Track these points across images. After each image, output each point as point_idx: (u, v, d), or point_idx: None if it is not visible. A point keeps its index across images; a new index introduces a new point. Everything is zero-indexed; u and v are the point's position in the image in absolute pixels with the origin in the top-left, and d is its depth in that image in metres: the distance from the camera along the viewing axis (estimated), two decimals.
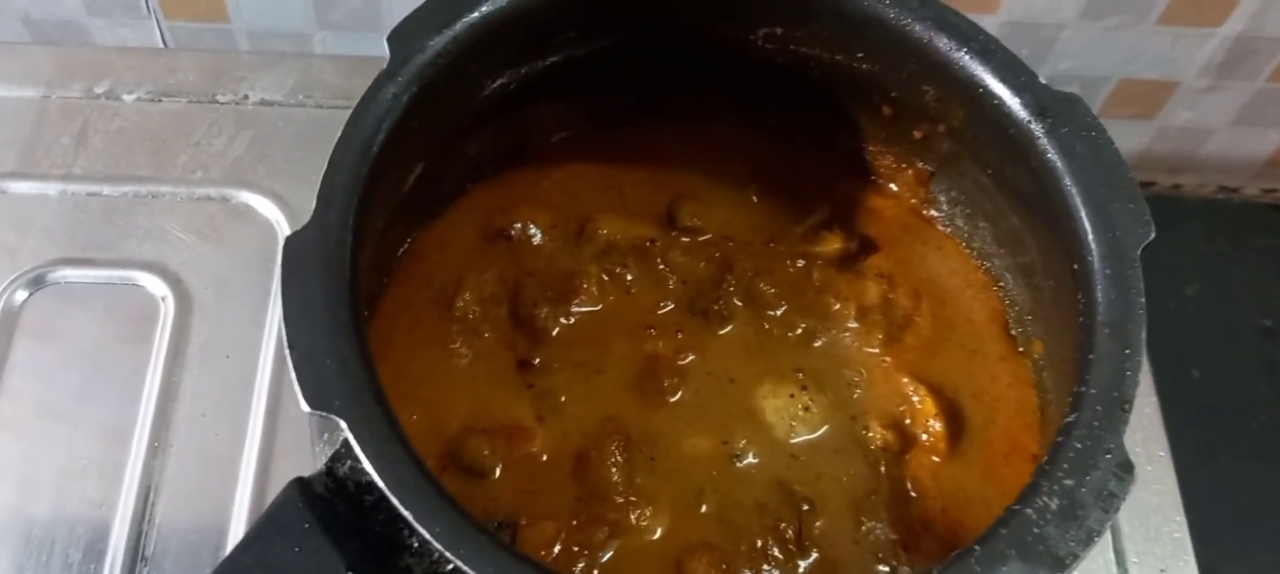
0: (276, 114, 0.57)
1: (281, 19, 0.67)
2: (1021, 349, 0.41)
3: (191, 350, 0.50)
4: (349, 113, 0.55)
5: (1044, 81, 0.36)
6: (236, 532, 0.46)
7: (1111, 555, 0.49)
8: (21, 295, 0.51)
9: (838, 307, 0.42)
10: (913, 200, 0.44)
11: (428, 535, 0.28)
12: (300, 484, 0.31)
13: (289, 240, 0.31)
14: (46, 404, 0.49)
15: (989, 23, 0.65)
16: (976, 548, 0.29)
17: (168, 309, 0.51)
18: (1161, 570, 0.49)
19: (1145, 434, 0.52)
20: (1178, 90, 0.72)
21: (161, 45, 0.69)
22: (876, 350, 0.41)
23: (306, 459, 0.47)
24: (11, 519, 0.46)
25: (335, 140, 0.34)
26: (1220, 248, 0.79)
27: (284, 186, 0.54)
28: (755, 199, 0.45)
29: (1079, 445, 0.30)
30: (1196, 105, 0.73)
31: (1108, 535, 0.49)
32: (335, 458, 0.31)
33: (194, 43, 0.69)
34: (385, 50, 0.68)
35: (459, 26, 0.35)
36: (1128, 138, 0.76)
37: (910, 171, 0.43)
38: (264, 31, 0.68)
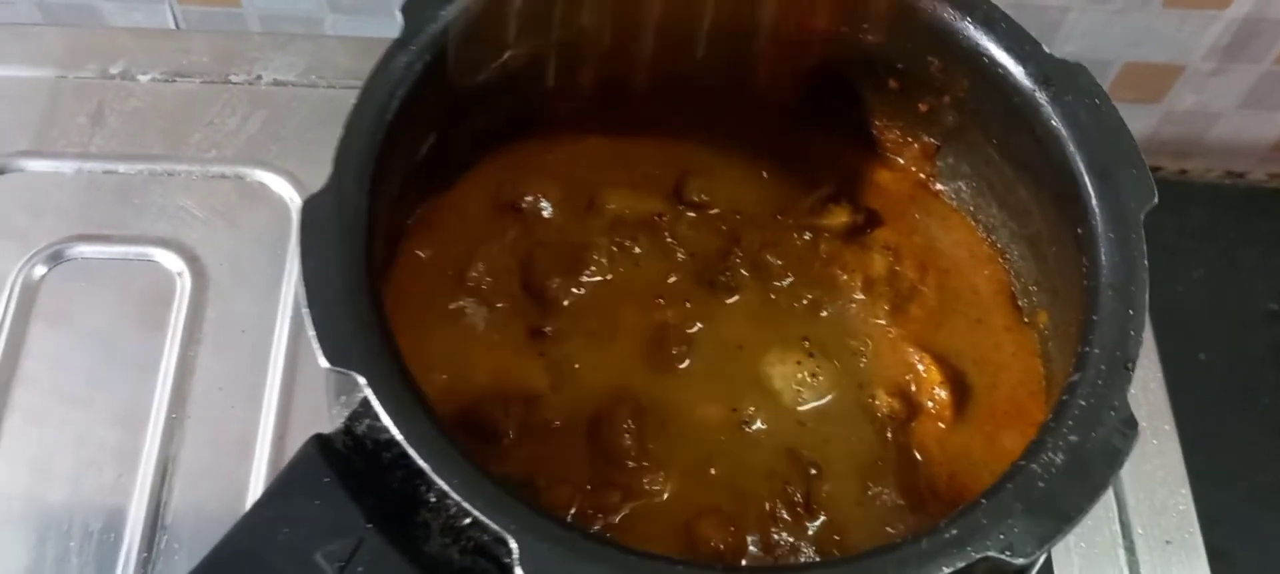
0: (289, 94, 0.58)
1: (292, 2, 0.68)
2: (1027, 320, 0.42)
3: (207, 326, 0.51)
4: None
5: (1048, 51, 0.36)
6: (255, 498, 0.47)
7: (1117, 527, 0.49)
8: (40, 271, 0.51)
9: (844, 278, 0.43)
10: (919, 174, 0.45)
11: (446, 487, 0.28)
12: (319, 441, 0.31)
13: (307, 203, 0.32)
14: (65, 378, 0.49)
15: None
16: (983, 501, 0.30)
17: (184, 285, 0.52)
18: (1167, 541, 0.49)
19: (1150, 408, 0.52)
20: (1184, 74, 0.72)
21: (173, 27, 0.69)
22: (883, 321, 0.42)
23: (322, 428, 0.48)
24: (32, 491, 0.47)
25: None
26: (1227, 232, 0.79)
27: (297, 165, 0.55)
28: (763, 174, 0.46)
29: (1083, 403, 0.31)
30: (1203, 89, 0.74)
31: (1114, 508, 0.50)
32: (353, 416, 0.32)
33: (205, 25, 0.69)
34: (395, 32, 0.69)
35: None
36: (1134, 121, 0.75)
37: (916, 145, 0.44)
38: (275, 15, 0.69)
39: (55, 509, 0.47)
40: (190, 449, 0.48)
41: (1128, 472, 0.51)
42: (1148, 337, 0.54)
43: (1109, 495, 0.50)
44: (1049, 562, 0.48)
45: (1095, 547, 0.49)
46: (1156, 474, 0.51)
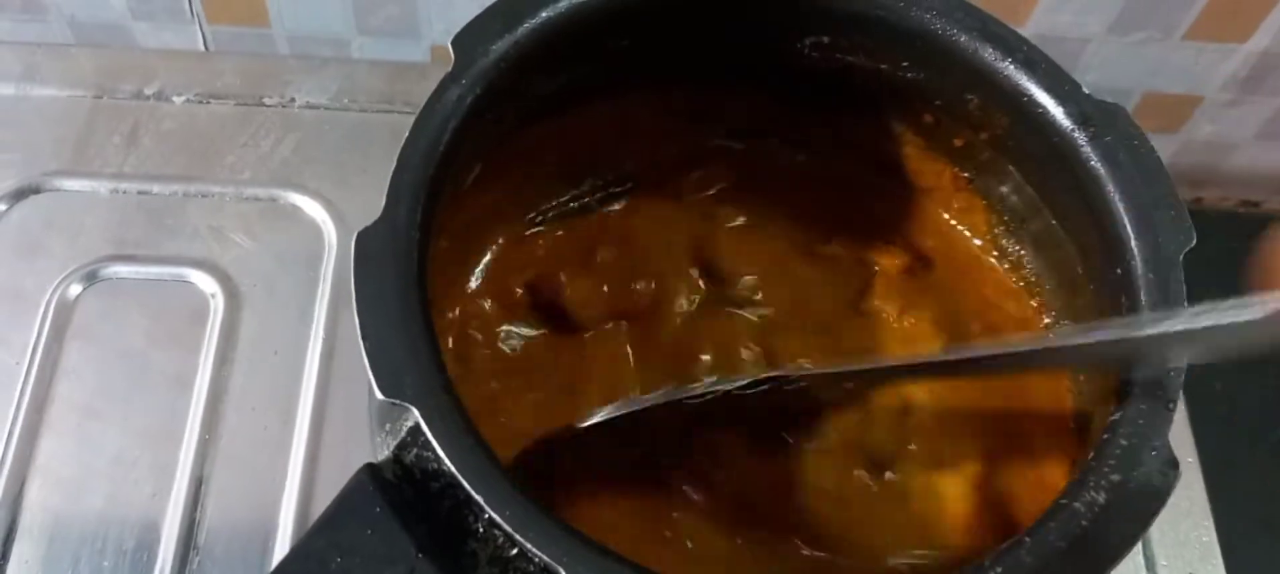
0: (321, 117, 0.58)
1: (322, 24, 0.68)
2: None
3: (241, 346, 0.51)
4: (392, 116, 0.57)
5: (1087, 91, 0.37)
6: (286, 521, 0.47)
7: (1141, 559, 0.50)
8: (75, 290, 0.52)
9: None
10: (950, 211, 0.46)
11: (499, 519, 0.29)
12: (370, 469, 0.32)
13: (361, 235, 0.32)
14: (99, 397, 0.50)
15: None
16: (1026, 540, 0.30)
17: (217, 306, 0.52)
18: (1191, 573, 0.50)
19: (1175, 441, 0.52)
20: (1202, 105, 0.73)
21: (203, 48, 0.70)
22: None
23: (353, 451, 0.49)
24: (67, 508, 0.47)
25: (379, 141, 0.35)
26: (1242, 260, 0.79)
27: (330, 188, 0.56)
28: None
29: (1125, 442, 0.31)
30: (1220, 120, 0.74)
31: (1139, 543, 0.50)
32: (402, 445, 0.33)
33: (234, 46, 0.70)
34: (421, 56, 0.69)
35: (520, 32, 0.36)
36: None
37: (948, 178, 0.44)
38: (304, 36, 0.69)
39: (89, 527, 0.47)
40: (223, 468, 0.49)
41: None
42: None
43: None
44: None
45: None
46: (1181, 507, 0.51)
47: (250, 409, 0.50)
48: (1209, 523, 0.51)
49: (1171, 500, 0.50)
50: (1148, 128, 0.75)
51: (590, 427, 0.39)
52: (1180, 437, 0.53)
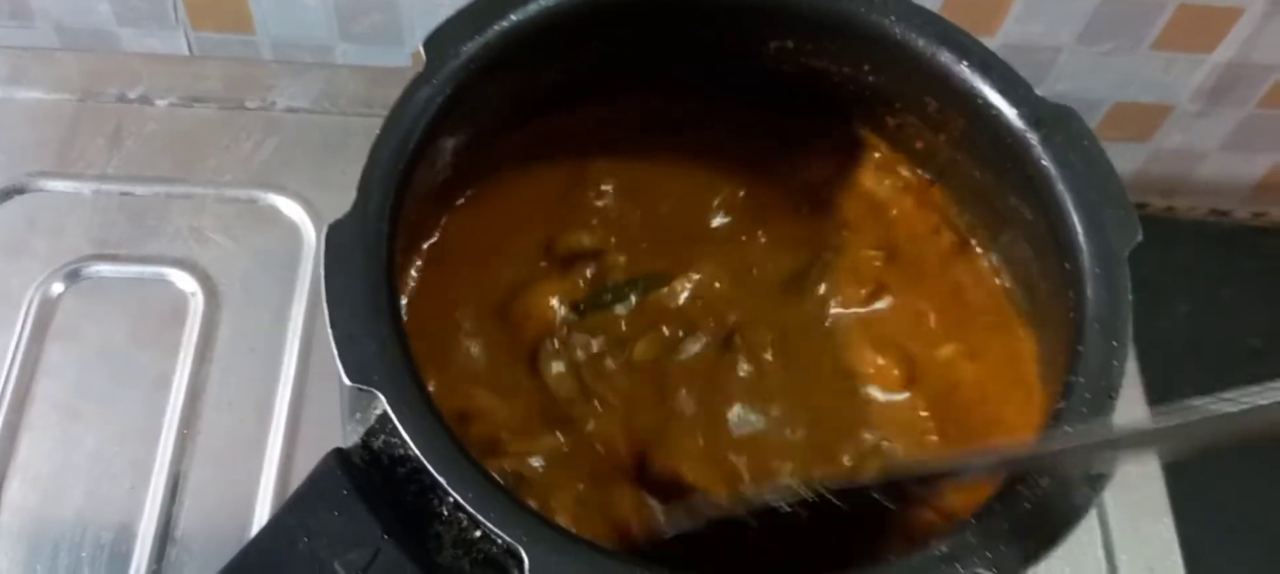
0: (302, 120, 0.59)
1: (305, 31, 0.69)
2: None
3: (219, 344, 0.52)
4: (373, 119, 0.58)
5: (1040, 94, 0.38)
6: (262, 516, 0.48)
7: (1102, 553, 0.51)
8: (57, 288, 0.53)
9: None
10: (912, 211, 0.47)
11: (460, 499, 0.30)
12: (338, 454, 0.33)
13: (331, 228, 0.33)
14: (80, 392, 0.51)
15: (987, 46, 0.68)
16: (972, 522, 0.31)
17: (197, 304, 0.53)
18: (1150, 569, 0.51)
19: None
20: (1171, 114, 0.75)
21: (188, 54, 0.71)
22: None
23: (329, 445, 0.49)
24: (45, 500, 0.48)
25: (360, 144, 0.36)
26: (1211, 269, 0.81)
27: (309, 189, 0.57)
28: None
29: (1069, 430, 0.32)
30: (1189, 129, 0.76)
31: (1099, 536, 0.52)
32: (371, 432, 0.34)
33: (219, 52, 0.71)
34: (404, 61, 0.70)
35: (490, 33, 0.38)
36: (1122, 160, 0.78)
37: (913, 180, 0.45)
38: (287, 42, 0.70)
39: (68, 520, 0.48)
40: (200, 464, 0.50)
41: (1113, 501, 0.52)
42: (1133, 370, 0.56)
43: (1094, 524, 0.52)
44: None
45: (1081, 573, 0.50)
46: (1141, 504, 0.52)
47: (228, 406, 0.51)
48: (1169, 519, 0.52)
49: (1133, 497, 0.52)
50: (1119, 137, 0.77)
51: None
52: None
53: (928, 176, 0.45)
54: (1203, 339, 0.77)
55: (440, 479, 0.30)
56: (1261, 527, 0.68)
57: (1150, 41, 0.68)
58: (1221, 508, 0.66)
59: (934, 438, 0.41)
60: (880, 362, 0.42)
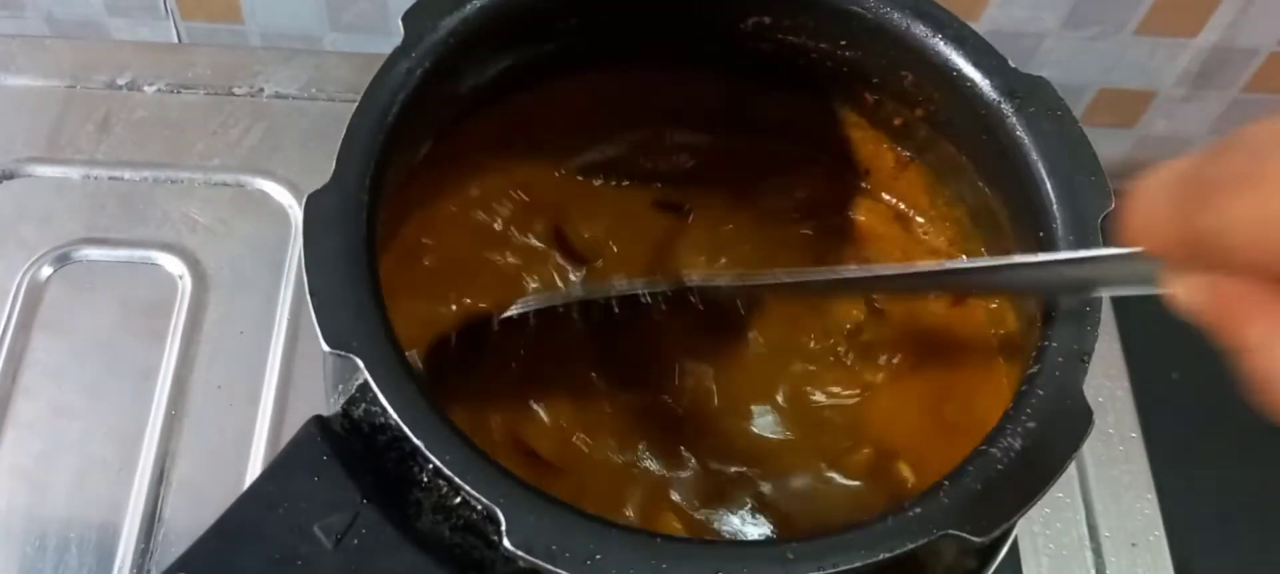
0: (290, 106, 0.60)
1: (294, 20, 0.70)
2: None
3: (207, 326, 0.53)
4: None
5: (1013, 66, 0.38)
6: None
7: (1085, 529, 0.51)
8: (47, 271, 0.53)
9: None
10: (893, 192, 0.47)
11: (439, 463, 0.30)
12: (319, 421, 0.33)
13: (310, 198, 0.34)
14: (68, 375, 0.51)
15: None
16: (945, 484, 0.31)
17: (185, 287, 0.53)
18: (1133, 544, 0.51)
19: (1118, 417, 0.54)
20: (1156, 99, 0.75)
21: (177, 43, 0.71)
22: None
23: None
24: (33, 484, 0.48)
25: None
26: None
27: (297, 174, 0.57)
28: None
29: (1041, 392, 0.33)
30: (1174, 115, 0.76)
31: (1082, 511, 0.52)
32: (351, 400, 0.34)
33: (209, 42, 0.71)
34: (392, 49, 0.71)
35: (469, 8, 0.38)
36: (1109, 145, 0.79)
37: (892, 156, 0.46)
38: (276, 32, 0.71)
39: (56, 505, 0.48)
40: (188, 445, 0.50)
41: (1095, 476, 0.53)
42: (1118, 352, 0.57)
43: (1077, 499, 0.52)
44: (1018, 562, 0.50)
45: (1063, 548, 0.50)
46: (1123, 479, 0.52)
47: (216, 389, 0.51)
48: (1152, 496, 0.53)
49: (1115, 473, 0.53)
50: (1105, 123, 0.78)
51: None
52: (1125, 414, 0.54)
53: (907, 154, 0.45)
54: (1190, 325, 0.77)
55: (417, 442, 0.31)
56: (1243, 501, 0.68)
57: (1134, 26, 0.69)
58: (1204, 483, 0.67)
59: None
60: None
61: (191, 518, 0.48)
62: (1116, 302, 0.57)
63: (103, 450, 0.49)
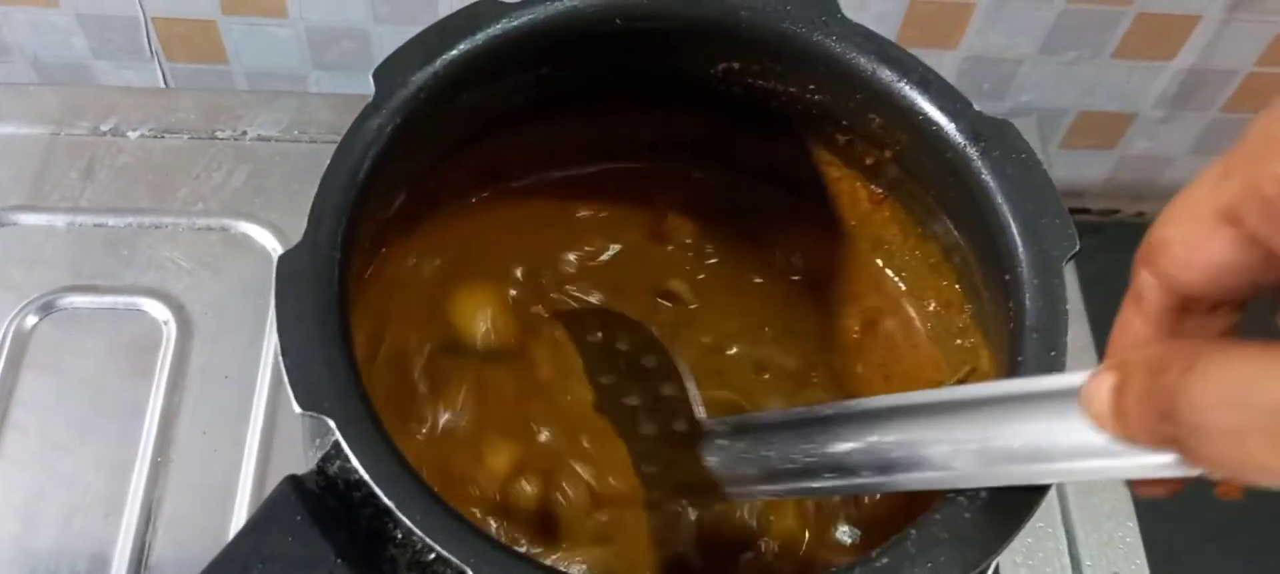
0: (273, 149, 0.60)
1: (278, 60, 0.71)
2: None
3: (192, 372, 0.53)
4: None
5: (978, 109, 0.39)
6: None
7: (1067, 558, 0.52)
8: (31, 320, 0.54)
9: None
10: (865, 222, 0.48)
11: (409, 523, 0.30)
12: (293, 480, 0.33)
13: (282, 257, 0.34)
14: (54, 424, 0.51)
15: (950, 58, 0.69)
16: (912, 533, 0.32)
17: (170, 333, 0.54)
18: (1115, 572, 0.51)
19: None
20: (1135, 121, 0.75)
21: (163, 86, 0.72)
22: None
23: (300, 468, 0.50)
24: (20, 530, 0.49)
25: None
26: None
27: (280, 217, 0.57)
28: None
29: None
30: (1154, 136, 0.77)
31: (1064, 540, 0.52)
32: (325, 458, 0.34)
33: (194, 83, 0.72)
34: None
35: (438, 63, 0.38)
36: (1091, 167, 0.79)
37: (866, 194, 0.46)
38: (261, 72, 0.71)
39: (43, 550, 0.49)
40: (174, 492, 0.50)
41: (1077, 506, 0.53)
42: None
43: (1059, 529, 0.52)
44: None
45: None
46: (1104, 507, 0.53)
47: (201, 433, 0.52)
48: (1133, 523, 0.53)
49: (1095, 501, 0.53)
50: (1086, 145, 0.78)
51: None
52: None
53: (879, 191, 0.46)
54: None
55: (389, 502, 0.31)
56: (1225, 528, 0.68)
57: (1111, 50, 0.69)
58: (1186, 510, 0.67)
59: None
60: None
61: (178, 565, 0.49)
62: (1096, 328, 0.57)
63: (89, 498, 0.50)
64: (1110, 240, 0.66)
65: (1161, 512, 0.55)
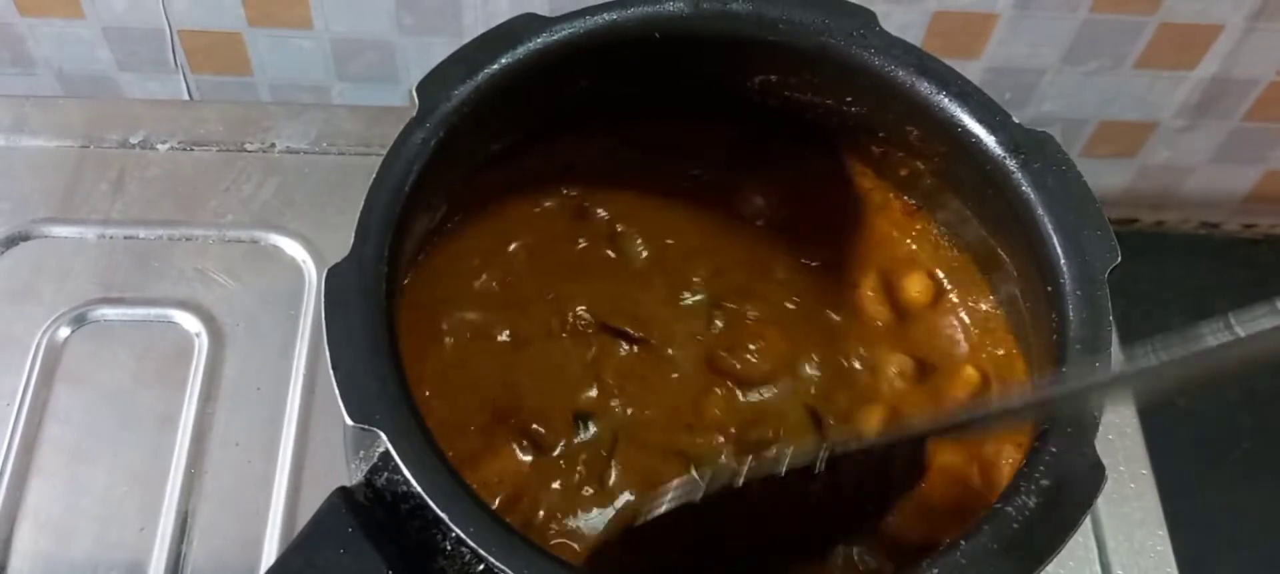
0: (301, 161, 0.60)
1: (302, 72, 0.71)
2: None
3: (224, 384, 0.53)
4: (371, 158, 0.59)
5: (1017, 121, 0.39)
6: (269, 554, 0.49)
7: (1098, 567, 0.52)
8: (64, 332, 0.54)
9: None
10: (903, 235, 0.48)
11: (463, 535, 0.30)
12: (343, 492, 0.34)
13: (330, 271, 0.34)
14: (87, 436, 0.52)
15: (973, 68, 0.69)
16: (962, 543, 0.32)
17: (201, 345, 0.54)
18: None
19: (1127, 453, 0.55)
20: (1156, 130, 0.76)
21: (187, 98, 0.72)
22: None
23: (334, 483, 0.50)
24: (56, 544, 0.49)
25: (358, 184, 0.37)
26: (1202, 281, 0.82)
27: (310, 229, 0.58)
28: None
29: (1054, 449, 0.33)
30: (1175, 144, 0.77)
31: (1094, 549, 0.52)
32: (374, 470, 0.34)
33: (218, 94, 0.72)
34: (400, 100, 0.72)
35: (481, 77, 0.39)
36: (1111, 176, 0.80)
37: (898, 206, 0.46)
38: (285, 83, 0.72)
39: (78, 563, 0.49)
40: (208, 503, 0.50)
41: (1107, 514, 0.53)
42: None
43: (1090, 538, 0.52)
44: None
45: None
46: (1134, 516, 0.53)
47: (234, 445, 0.52)
48: (1163, 532, 0.53)
49: (1126, 510, 0.53)
50: (1106, 154, 0.79)
51: None
52: (1134, 450, 0.55)
53: (913, 203, 0.46)
54: None
55: (442, 514, 0.31)
56: (1255, 536, 0.69)
57: (1133, 60, 0.70)
58: (1215, 518, 0.67)
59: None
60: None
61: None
62: (1121, 336, 0.58)
63: (123, 511, 0.50)
64: (1129, 249, 0.67)
65: (1191, 520, 0.56)
